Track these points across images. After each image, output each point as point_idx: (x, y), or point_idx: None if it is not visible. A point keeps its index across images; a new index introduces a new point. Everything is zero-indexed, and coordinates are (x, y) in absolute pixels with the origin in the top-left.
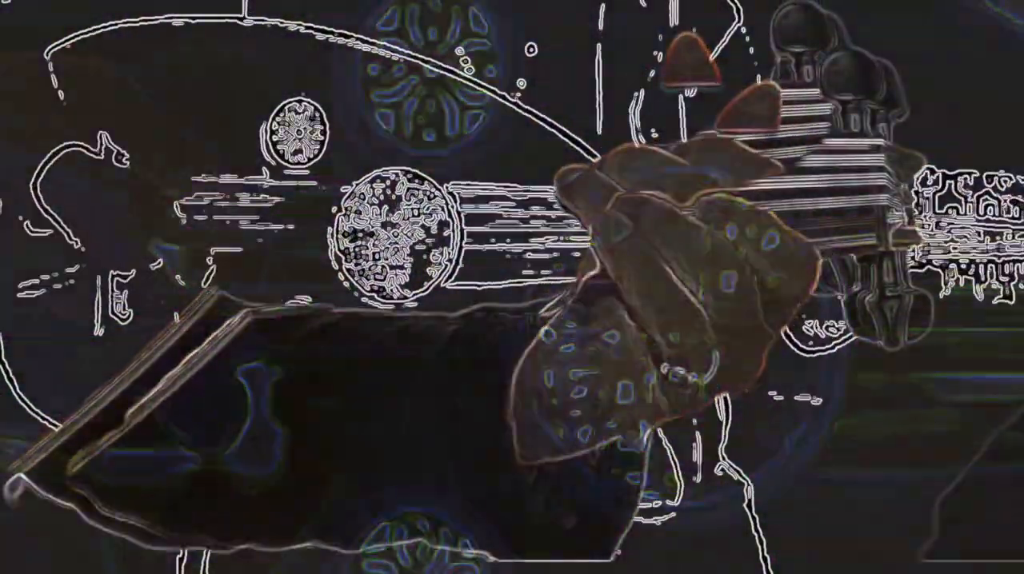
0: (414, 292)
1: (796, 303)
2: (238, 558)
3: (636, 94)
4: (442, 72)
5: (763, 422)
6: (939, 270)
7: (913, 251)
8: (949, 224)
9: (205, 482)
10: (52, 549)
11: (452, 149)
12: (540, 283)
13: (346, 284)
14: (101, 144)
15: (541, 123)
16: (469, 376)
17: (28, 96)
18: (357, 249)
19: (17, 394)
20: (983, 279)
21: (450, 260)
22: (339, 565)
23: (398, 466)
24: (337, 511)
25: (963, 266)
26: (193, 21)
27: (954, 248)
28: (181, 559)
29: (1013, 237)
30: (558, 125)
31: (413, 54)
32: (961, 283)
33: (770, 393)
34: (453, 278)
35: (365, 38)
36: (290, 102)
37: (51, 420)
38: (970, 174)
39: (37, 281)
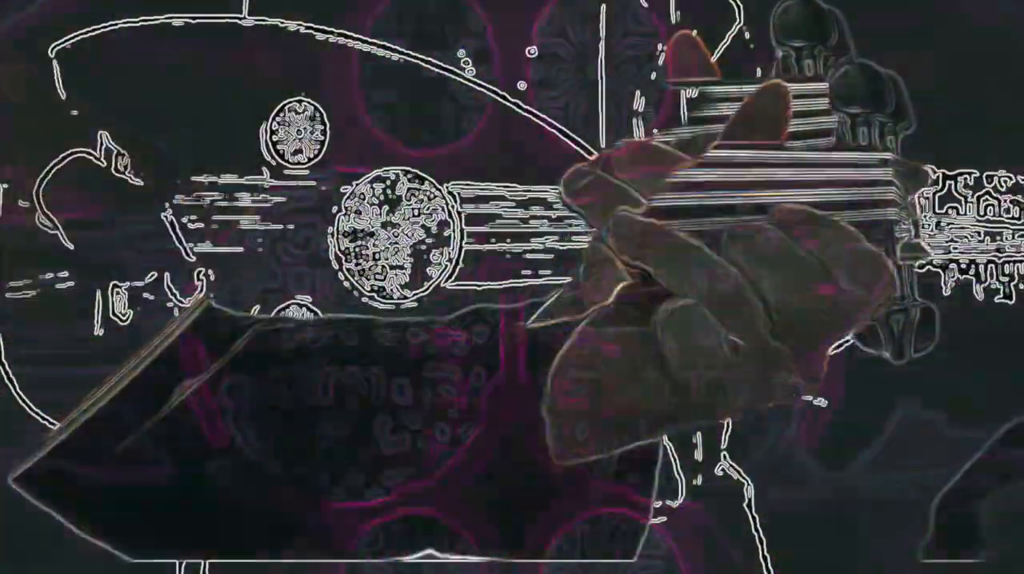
0: (414, 292)
1: (866, 308)
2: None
3: (636, 93)
4: (442, 72)
5: (763, 422)
6: (939, 270)
7: (919, 265)
8: (949, 224)
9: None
10: (52, 549)
11: (452, 149)
12: (539, 283)
13: (346, 284)
14: (101, 144)
15: (541, 123)
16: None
17: (28, 96)
18: (357, 249)
19: (17, 394)
20: (983, 279)
21: (450, 260)
22: (339, 565)
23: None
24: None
25: (963, 266)
26: (193, 21)
27: (954, 248)
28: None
29: (1013, 237)
30: (558, 125)
31: (413, 54)
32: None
33: None
34: (453, 278)
35: (365, 38)
36: (290, 102)
37: (51, 420)
38: (970, 174)
39: (30, 281)
